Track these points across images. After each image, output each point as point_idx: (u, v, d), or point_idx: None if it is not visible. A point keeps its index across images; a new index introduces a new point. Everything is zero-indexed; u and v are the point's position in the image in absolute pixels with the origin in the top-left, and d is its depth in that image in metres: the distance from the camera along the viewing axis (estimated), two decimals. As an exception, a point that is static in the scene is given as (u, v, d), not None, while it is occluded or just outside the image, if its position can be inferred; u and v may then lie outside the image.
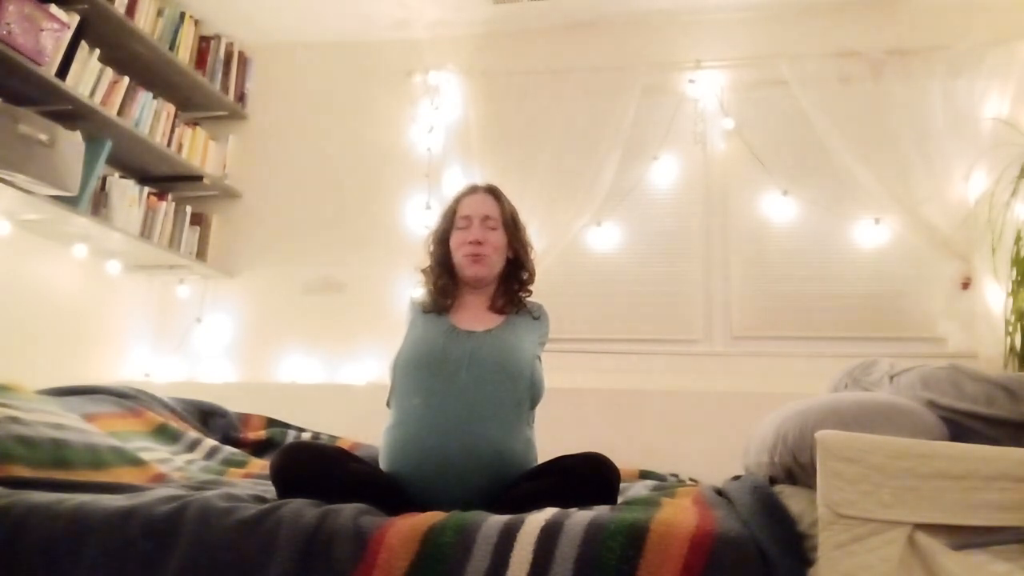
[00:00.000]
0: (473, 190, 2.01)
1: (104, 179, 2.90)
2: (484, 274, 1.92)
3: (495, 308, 1.93)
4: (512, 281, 1.98)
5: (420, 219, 3.30)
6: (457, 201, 2.00)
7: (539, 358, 1.90)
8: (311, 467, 1.58)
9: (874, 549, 1.14)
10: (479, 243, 1.89)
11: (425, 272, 2.01)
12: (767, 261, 3.17)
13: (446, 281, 1.95)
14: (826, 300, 3.09)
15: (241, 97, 3.60)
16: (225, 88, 3.49)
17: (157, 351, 3.45)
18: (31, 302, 2.83)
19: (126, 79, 2.87)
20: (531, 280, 2.00)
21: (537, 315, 1.97)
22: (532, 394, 1.80)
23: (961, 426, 1.35)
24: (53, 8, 2.46)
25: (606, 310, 3.24)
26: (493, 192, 2.00)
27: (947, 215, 2.92)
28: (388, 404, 1.84)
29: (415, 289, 2.13)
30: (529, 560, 1.20)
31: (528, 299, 2.01)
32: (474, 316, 1.91)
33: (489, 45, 3.46)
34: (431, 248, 2.02)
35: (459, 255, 1.92)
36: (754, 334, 3.12)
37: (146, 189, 3.09)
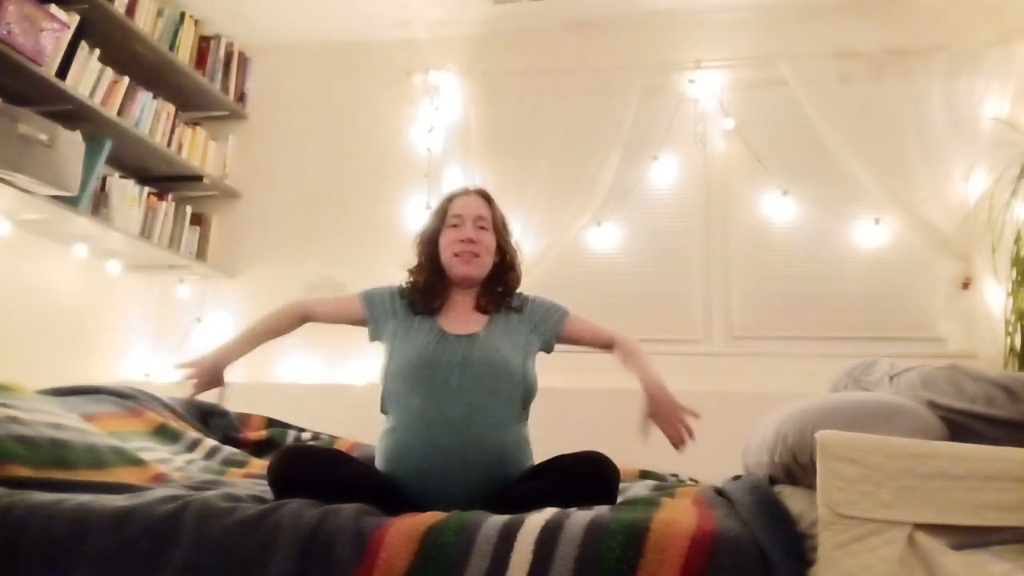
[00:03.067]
0: (465, 191, 2.02)
1: (104, 179, 2.91)
2: (474, 274, 1.90)
3: (480, 308, 1.91)
4: (497, 283, 1.96)
5: (420, 219, 3.28)
6: (449, 200, 1.99)
7: (536, 354, 1.90)
8: (308, 470, 1.57)
9: (874, 549, 1.14)
10: (472, 241, 1.89)
11: (413, 271, 1.99)
12: (767, 261, 3.17)
13: (435, 280, 1.94)
14: (826, 300, 3.08)
15: (241, 97, 3.60)
16: (225, 88, 3.49)
17: (157, 351, 3.44)
18: (31, 302, 2.83)
19: (126, 79, 2.87)
20: (516, 283, 1.99)
21: (518, 306, 1.94)
22: (524, 392, 1.79)
23: (961, 426, 1.34)
24: (53, 8, 2.46)
25: (606, 310, 3.20)
26: (484, 195, 2.00)
27: (947, 215, 2.93)
28: (382, 410, 1.83)
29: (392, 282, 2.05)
30: (529, 560, 1.20)
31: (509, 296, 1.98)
32: (461, 317, 1.89)
33: (489, 45, 3.46)
34: (419, 247, 2.00)
35: (449, 253, 1.90)
36: (754, 334, 3.12)
37: (146, 189, 3.09)
